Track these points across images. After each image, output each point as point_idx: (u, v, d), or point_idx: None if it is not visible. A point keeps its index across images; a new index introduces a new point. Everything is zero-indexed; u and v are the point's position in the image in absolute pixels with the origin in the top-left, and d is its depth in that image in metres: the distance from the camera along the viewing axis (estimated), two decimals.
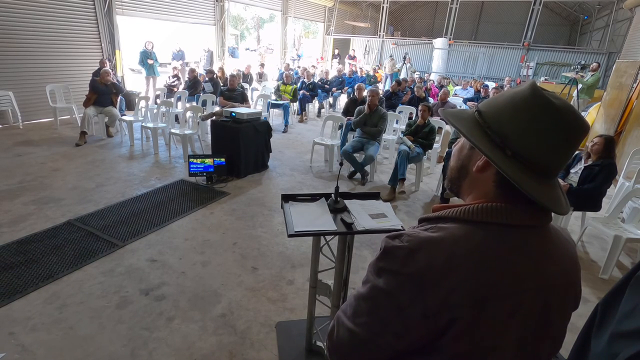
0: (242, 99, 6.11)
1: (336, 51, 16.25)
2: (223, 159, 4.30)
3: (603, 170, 3.14)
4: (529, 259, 0.60)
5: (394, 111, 6.38)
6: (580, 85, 7.46)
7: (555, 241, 0.65)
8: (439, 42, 14.52)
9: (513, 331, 0.60)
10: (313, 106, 9.25)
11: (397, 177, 4.19)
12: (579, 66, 7.63)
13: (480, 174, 0.65)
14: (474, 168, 0.66)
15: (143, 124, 5.45)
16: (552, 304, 0.63)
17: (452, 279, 0.57)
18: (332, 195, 1.65)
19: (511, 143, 0.60)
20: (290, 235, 1.43)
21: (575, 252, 0.70)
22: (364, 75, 11.80)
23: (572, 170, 3.47)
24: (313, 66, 12.32)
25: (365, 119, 4.66)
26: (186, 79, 7.69)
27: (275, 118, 7.69)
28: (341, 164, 1.86)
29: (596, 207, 3.27)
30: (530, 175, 0.59)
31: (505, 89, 7.26)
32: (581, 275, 0.70)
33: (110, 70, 6.16)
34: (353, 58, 14.97)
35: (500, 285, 0.58)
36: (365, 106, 4.70)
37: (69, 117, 6.69)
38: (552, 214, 0.62)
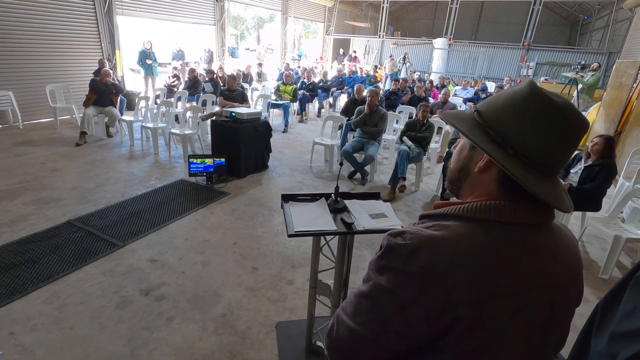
0: (242, 99, 6.11)
1: (341, 50, 16.22)
2: (223, 159, 4.29)
3: (603, 170, 3.14)
4: (533, 257, 0.60)
5: (394, 111, 6.38)
6: (580, 85, 7.45)
7: (558, 238, 0.65)
8: (439, 42, 14.52)
9: (519, 330, 0.59)
10: (313, 106, 9.24)
11: (397, 177, 4.19)
12: (579, 66, 7.63)
13: (482, 174, 0.65)
14: (475, 169, 0.65)
15: (143, 124, 5.45)
16: (557, 302, 0.62)
17: (455, 278, 0.56)
18: (332, 195, 1.65)
19: (512, 142, 0.59)
20: (290, 235, 1.43)
21: (578, 249, 0.70)
22: (364, 75, 11.80)
23: (572, 170, 3.47)
24: (315, 67, 12.31)
25: (365, 119, 4.66)
26: (186, 79, 7.69)
27: (275, 118, 7.69)
28: (341, 164, 1.86)
29: (596, 207, 3.27)
30: (533, 173, 0.59)
31: (505, 89, 7.28)
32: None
33: (110, 71, 6.16)
34: (354, 59, 14.98)
35: (504, 284, 0.57)
36: (365, 106, 4.70)
37: (69, 117, 6.69)
38: (555, 211, 0.62)
